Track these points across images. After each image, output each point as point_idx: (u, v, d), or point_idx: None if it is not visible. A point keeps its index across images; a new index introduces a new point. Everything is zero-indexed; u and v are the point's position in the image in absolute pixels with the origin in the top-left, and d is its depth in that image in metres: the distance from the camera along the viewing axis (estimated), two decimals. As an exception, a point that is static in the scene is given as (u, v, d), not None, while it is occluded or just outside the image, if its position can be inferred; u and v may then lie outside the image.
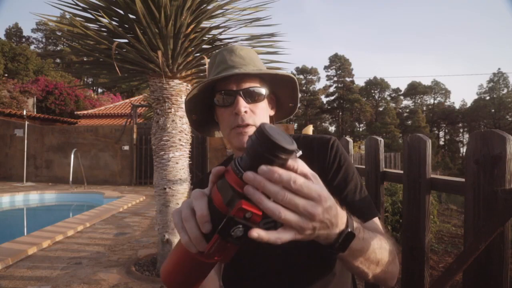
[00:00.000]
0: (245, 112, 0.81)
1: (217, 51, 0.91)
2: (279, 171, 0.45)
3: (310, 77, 52.48)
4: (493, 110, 44.75)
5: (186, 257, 0.54)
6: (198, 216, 0.49)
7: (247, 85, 0.83)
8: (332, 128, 52.87)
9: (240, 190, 0.46)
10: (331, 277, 0.83)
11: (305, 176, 0.49)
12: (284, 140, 0.46)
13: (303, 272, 0.81)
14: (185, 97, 3.23)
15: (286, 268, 0.82)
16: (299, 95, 0.92)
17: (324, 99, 53.04)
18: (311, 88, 52.33)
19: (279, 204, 0.46)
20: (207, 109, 0.91)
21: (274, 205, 0.46)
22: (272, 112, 0.94)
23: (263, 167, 0.45)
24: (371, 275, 0.68)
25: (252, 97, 0.83)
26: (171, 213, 3.10)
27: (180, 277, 0.56)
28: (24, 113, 12.08)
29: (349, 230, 0.56)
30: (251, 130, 0.82)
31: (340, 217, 0.54)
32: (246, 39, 3.17)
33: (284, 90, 0.91)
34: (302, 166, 0.49)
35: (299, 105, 0.95)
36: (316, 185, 0.49)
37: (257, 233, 0.46)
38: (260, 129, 0.46)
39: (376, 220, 0.82)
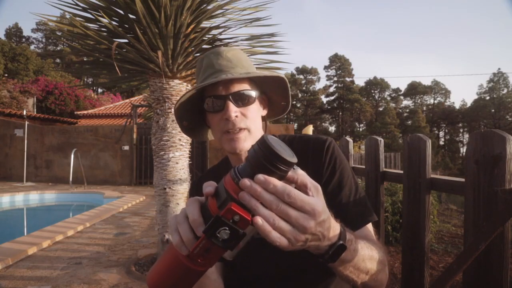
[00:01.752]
0: (236, 116, 0.80)
1: (203, 54, 0.89)
2: (275, 182, 0.46)
3: (310, 77, 52.42)
4: (493, 110, 44.74)
5: (173, 262, 0.54)
6: (191, 220, 0.49)
7: (236, 88, 0.81)
8: (332, 128, 52.89)
9: (234, 195, 0.47)
10: (331, 279, 0.83)
11: (305, 186, 0.49)
12: (285, 152, 0.47)
13: (303, 274, 0.81)
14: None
15: (286, 271, 0.82)
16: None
17: (324, 99, 53.04)
18: (311, 88, 52.28)
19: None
20: (198, 114, 0.90)
21: (269, 212, 0.46)
22: (264, 112, 0.93)
23: (260, 176, 0.46)
24: (359, 283, 0.69)
25: (243, 101, 0.82)
26: (171, 213, 3.10)
27: (166, 283, 0.56)
28: (24, 113, 12.06)
29: (341, 242, 0.56)
30: (243, 135, 0.82)
31: (333, 230, 0.54)
32: (246, 39, 3.17)
33: (275, 90, 0.89)
34: (302, 177, 0.49)
35: (293, 103, 0.94)
36: (311, 199, 0.48)
37: (261, 220, 0.46)
38: (263, 139, 0.46)
39: (369, 226, 0.82)
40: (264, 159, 0.46)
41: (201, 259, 0.50)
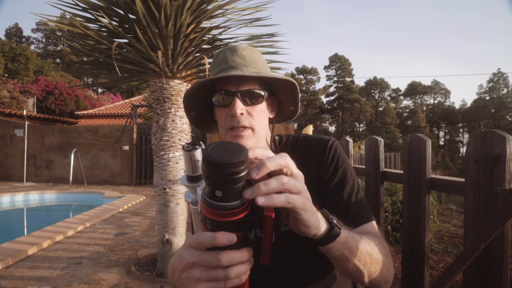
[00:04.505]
0: (241, 114, 0.81)
1: (220, 49, 0.90)
2: (269, 164, 0.48)
3: (310, 77, 52.43)
4: (493, 110, 44.70)
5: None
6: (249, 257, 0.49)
7: (245, 87, 0.82)
8: (332, 128, 52.88)
9: (241, 216, 0.47)
10: (332, 280, 0.83)
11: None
12: (232, 153, 0.45)
13: (304, 275, 0.82)
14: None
15: (287, 271, 0.82)
16: (300, 95, 0.91)
17: (324, 99, 53.04)
18: (311, 88, 52.27)
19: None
20: (208, 107, 0.90)
21: (283, 196, 0.49)
22: (272, 115, 0.93)
23: (254, 172, 0.47)
24: (366, 275, 0.68)
25: (250, 99, 0.82)
26: (171, 213, 3.10)
27: None
28: (24, 113, 12.06)
29: (326, 210, 0.60)
30: (246, 133, 0.82)
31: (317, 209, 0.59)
32: (246, 39, 3.17)
33: (285, 93, 0.90)
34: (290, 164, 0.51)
35: (300, 110, 0.94)
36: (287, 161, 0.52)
37: (264, 199, 0.48)
38: (205, 159, 0.44)
39: (372, 223, 0.82)
40: (220, 176, 0.44)
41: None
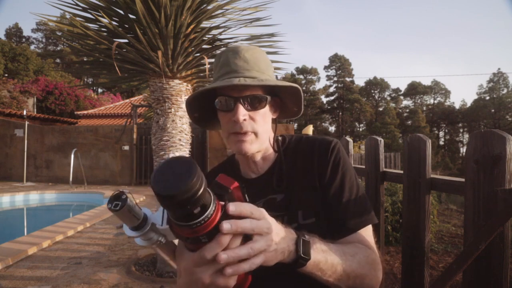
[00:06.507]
0: (244, 120, 0.80)
1: (222, 49, 0.89)
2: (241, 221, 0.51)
3: (310, 77, 52.43)
4: (493, 110, 44.69)
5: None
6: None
7: (248, 92, 0.81)
8: (332, 128, 52.86)
9: (210, 226, 0.48)
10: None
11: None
12: (184, 174, 0.43)
13: (299, 279, 0.81)
14: (185, 97, 3.21)
15: (282, 275, 0.82)
16: (303, 97, 0.92)
17: (324, 99, 53.03)
18: (311, 88, 52.26)
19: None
20: (210, 107, 0.90)
21: (243, 248, 0.52)
22: (275, 115, 0.93)
23: (225, 225, 0.49)
24: (344, 287, 0.71)
25: (253, 104, 0.82)
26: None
27: None
28: (24, 113, 12.07)
29: (301, 237, 0.63)
30: (249, 138, 0.82)
31: (288, 231, 0.63)
32: (246, 39, 3.17)
33: (289, 96, 0.89)
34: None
35: (303, 109, 0.94)
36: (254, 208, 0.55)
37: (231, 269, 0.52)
38: (168, 196, 0.42)
39: (367, 229, 0.83)
40: (171, 205, 0.44)
41: None
